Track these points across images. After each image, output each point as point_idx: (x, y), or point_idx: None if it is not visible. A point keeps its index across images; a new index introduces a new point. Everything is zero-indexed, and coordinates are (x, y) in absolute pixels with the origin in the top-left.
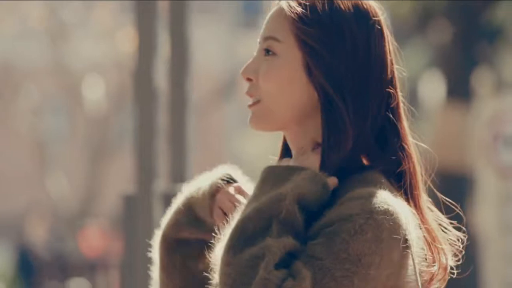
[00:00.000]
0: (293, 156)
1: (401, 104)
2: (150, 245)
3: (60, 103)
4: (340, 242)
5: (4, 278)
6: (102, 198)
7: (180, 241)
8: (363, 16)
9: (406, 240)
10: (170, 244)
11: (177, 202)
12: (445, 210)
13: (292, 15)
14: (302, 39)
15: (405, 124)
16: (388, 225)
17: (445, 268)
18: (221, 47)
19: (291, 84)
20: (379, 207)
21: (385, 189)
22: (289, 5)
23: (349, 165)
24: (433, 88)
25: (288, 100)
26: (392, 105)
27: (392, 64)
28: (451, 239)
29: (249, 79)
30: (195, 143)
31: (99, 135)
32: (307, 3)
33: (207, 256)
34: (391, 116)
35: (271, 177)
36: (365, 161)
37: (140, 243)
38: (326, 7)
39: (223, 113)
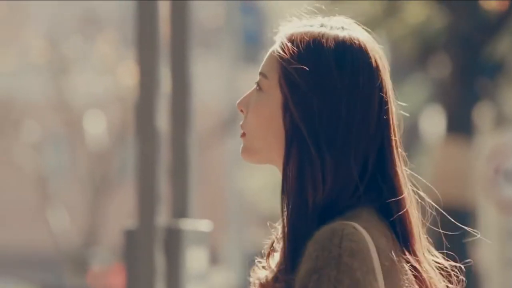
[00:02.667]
0: None
1: (394, 149)
2: (151, 279)
3: (61, 138)
4: None
5: None
6: (104, 232)
7: None
8: (349, 59)
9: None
10: None
11: None
12: (446, 246)
13: (278, 54)
14: (283, 79)
15: (399, 170)
16: (357, 263)
17: None
18: (222, 82)
19: (270, 122)
20: (342, 246)
21: (353, 221)
22: (280, 44)
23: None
24: (434, 123)
25: (267, 138)
26: (383, 150)
27: (382, 106)
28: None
29: (242, 111)
30: (196, 178)
31: (100, 169)
32: (295, 43)
33: None
34: (382, 160)
35: None
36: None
37: (141, 277)
38: (310, 48)
39: (224, 148)
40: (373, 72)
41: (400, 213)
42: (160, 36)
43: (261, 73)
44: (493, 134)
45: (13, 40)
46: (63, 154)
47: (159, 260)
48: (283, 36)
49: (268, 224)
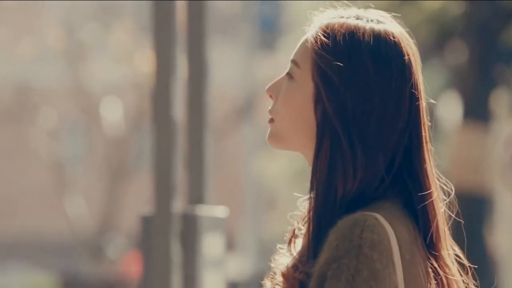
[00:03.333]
0: None
1: (423, 145)
2: (167, 265)
3: (78, 124)
4: None
5: None
6: (120, 219)
7: None
8: (384, 54)
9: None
10: None
11: None
12: (462, 231)
13: (312, 45)
14: (316, 71)
15: (427, 166)
16: (377, 254)
17: None
18: (239, 69)
19: (300, 111)
20: (364, 237)
21: (377, 212)
22: (314, 34)
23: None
24: (451, 109)
25: (296, 126)
26: (411, 145)
27: (413, 101)
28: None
29: (271, 97)
30: (213, 164)
31: (117, 156)
32: (330, 34)
33: None
34: (409, 157)
35: None
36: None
37: (158, 264)
38: (346, 41)
39: (240, 134)
40: (405, 67)
41: (425, 209)
42: (177, 23)
43: (293, 61)
44: (510, 120)
45: (30, 27)
46: (80, 141)
47: (175, 247)
48: (317, 26)
49: (288, 214)
